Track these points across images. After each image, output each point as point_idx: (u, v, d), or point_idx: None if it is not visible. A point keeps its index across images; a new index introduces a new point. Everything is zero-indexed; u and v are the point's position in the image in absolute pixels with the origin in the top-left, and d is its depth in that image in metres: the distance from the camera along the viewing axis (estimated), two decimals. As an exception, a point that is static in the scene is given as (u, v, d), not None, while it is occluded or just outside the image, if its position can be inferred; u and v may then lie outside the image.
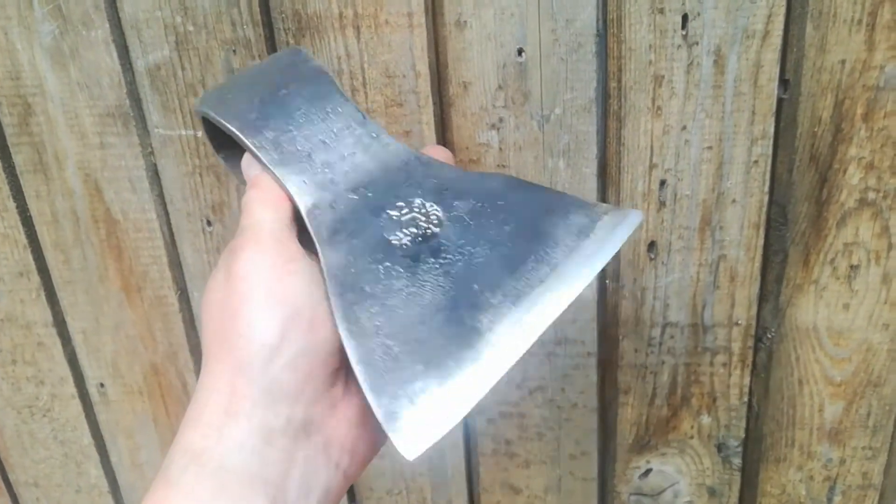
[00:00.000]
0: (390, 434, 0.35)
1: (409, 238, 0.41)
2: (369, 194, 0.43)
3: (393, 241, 0.41)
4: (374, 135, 0.45)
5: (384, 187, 0.43)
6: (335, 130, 0.45)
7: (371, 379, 0.37)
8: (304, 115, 0.45)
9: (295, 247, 0.40)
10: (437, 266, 0.40)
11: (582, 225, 0.40)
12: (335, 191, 0.43)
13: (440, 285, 0.39)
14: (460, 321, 0.38)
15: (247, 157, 0.44)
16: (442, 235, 0.41)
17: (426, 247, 0.40)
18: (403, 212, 0.42)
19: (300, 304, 0.38)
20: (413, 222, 0.41)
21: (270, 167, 0.43)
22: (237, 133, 0.43)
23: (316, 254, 0.41)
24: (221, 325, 0.38)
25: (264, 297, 0.38)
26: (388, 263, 0.40)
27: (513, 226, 0.40)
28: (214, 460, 0.36)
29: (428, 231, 0.41)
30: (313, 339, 0.38)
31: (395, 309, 0.38)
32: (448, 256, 0.40)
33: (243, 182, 0.45)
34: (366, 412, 0.40)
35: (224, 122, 0.44)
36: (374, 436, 0.41)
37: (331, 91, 0.46)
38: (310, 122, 0.45)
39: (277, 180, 0.43)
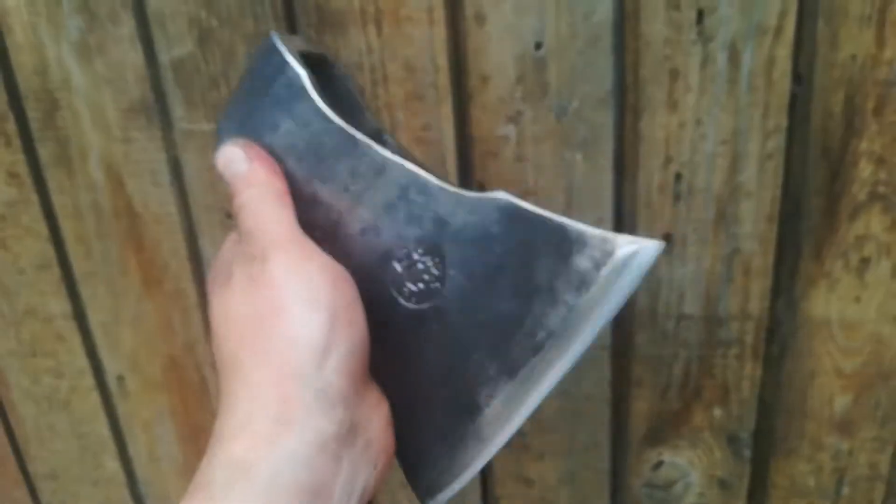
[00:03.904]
0: (416, 494, 0.41)
1: (415, 297, 0.40)
2: (375, 237, 0.41)
3: (401, 301, 0.40)
4: (380, 161, 0.41)
5: (388, 228, 0.40)
6: (352, 169, 0.41)
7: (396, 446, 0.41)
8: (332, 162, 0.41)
9: (310, 243, 0.39)
10: (441, 329, 0.40)
11: (584, 273, 0.35)
12: (344, 235, 0.41)
13: (444, 349, 0.39)
14: (463, 393, 0.39)
15: (229, 149, 0.41)
16: (444, 293, 0.39)
17: (431, 308, 0.40)
18: (409, 260, 0.40)
19: (336, 303, 0.37)
20: (418, 276, 0.40)
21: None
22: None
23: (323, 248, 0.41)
24: (257, 334, 0.37)
25: (303, 300, 0.37)
26: (398, 325, 0.40)
27: (510, 277, 0.37)
28: (264, 474, 0.34)
29: (432, 286, 0.40)
30: (355, 337, 0.38)
31: (407, 376, 0.40)
32: (450, 318, 0.39)
33: None
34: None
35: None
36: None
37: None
38: (337, 161, 0.41)
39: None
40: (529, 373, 0.37)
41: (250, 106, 0.42)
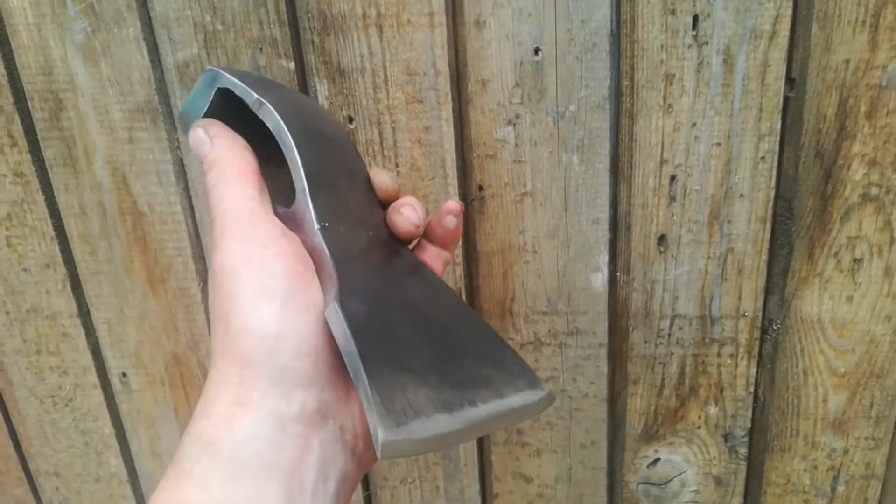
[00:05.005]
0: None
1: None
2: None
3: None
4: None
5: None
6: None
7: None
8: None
9: (271, 225, 0.39)
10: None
11: (513, 383, 0.43)
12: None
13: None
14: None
15: (198, 132, 0.42)
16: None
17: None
18: None
19: (292, 288, 0.37)
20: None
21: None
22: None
23: (296, 226, 0.41)
24: (219, 323, 0.38)
25: (253, 289, 0.37)
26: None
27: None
28: (226, 450, 0.35)
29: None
30: (314, 320, 0.38)
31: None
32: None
33: None
34: None
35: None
36: None
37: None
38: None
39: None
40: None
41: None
